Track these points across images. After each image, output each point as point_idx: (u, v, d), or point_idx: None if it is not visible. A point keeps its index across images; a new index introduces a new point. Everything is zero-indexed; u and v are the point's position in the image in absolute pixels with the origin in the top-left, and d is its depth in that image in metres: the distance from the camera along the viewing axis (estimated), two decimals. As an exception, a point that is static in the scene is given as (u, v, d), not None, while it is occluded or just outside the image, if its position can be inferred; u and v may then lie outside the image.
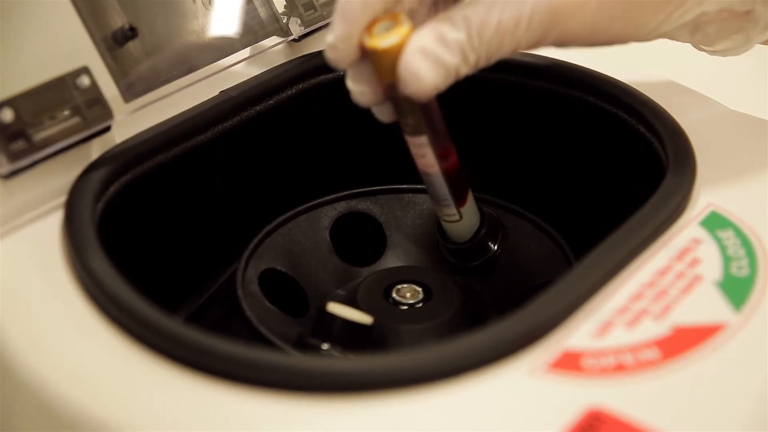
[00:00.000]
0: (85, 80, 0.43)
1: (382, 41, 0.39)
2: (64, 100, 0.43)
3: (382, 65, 0.40)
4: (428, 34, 0.39)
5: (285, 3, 0.52)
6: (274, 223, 0.50)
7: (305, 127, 0.53)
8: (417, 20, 0.42)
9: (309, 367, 0.33)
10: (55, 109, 0.43)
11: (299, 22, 0.52)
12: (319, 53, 0.53)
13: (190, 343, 0.34)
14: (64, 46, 0.46)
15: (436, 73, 0.39)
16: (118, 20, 0.46)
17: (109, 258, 0.39)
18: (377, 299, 0.46)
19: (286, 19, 0.52)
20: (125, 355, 0.35)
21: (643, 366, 0.35)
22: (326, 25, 0.54)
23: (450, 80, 0.40)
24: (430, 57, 0.39)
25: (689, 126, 0.47)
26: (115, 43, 0.46)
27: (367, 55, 0.40)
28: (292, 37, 0.53)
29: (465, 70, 0.40)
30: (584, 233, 0.46)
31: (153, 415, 0.33)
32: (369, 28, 0.40)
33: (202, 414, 0.33)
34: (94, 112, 0.43)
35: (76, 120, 0.43)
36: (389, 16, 0.40)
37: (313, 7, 0.52)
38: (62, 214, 0.42)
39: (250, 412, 0.33)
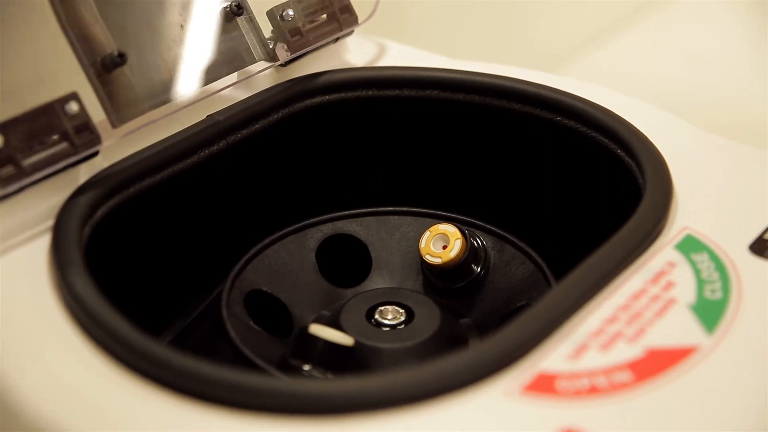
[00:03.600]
0: (73, 106, 0.44)
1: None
2: (53, 126, 0.43)
3: None
4: None
5: (271, 29, 0.53)
6: (260, 245, 0.51)
7: (291, 150, 0.54)
8: None
9: (283, 389, 0.34)
10: (44, 134, 0.43)
11: (285, 47, 0.53)
12: (305, 77, 0.54)
13: (169, 365, 0.35)
14: (52, 71, 0.47)
15: None
16: (107, 46, 0.47)
17: (95, 280, 0.39)
18: (360, 320, 0.47)
19: (272, 44, 0.53)
20: (107, 376, 0.36)
21: (616, 388, 0.36)
22: (313, 50, 0.54)
23: None
24: None
25: (667, 150, 0.48)
26: (104, 69, 0.47)
27: None
28: (279, 63, 0.53)
29: None
30: (565, 255, 0.47)
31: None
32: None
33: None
34: (82, 137, 0.44)
35: (64, 145, 0.44)
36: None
37: (299, 32, 0.53)
38: (50, 237, 0.42)
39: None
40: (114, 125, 0.46)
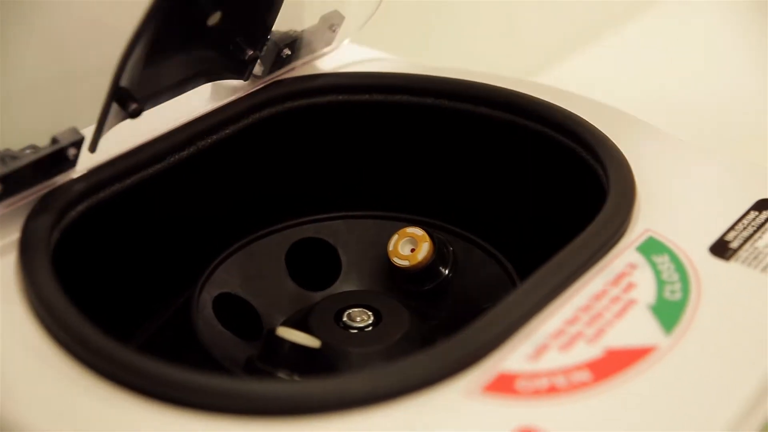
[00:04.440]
0: (72, 151, 0.45)
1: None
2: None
3: None
4: None
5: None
6: (229, 249, 0.51)
7: (261, 156, 0.54)
8: None
9: (240, 390, 0.35)
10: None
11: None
12: (275, 84, 0.54)
13: (132, 367, 0.35)
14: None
15: None
16: (135, 88, 0.46)
17: (64, 285, 0.40)
18: (328, 323, 0.48)
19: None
20: (73, 379, 0.36)
21: (574, 387, 0.36)
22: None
23: None
24: None
25: (632, 153, 0.49)
26: (119, 102, 0.46)
27: None
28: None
29: None
30: (532, 257, 0.47)
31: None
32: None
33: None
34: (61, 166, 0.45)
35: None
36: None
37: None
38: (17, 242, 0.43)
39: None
40: (92, 150, 0.46)
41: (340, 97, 0.55)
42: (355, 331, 0.48)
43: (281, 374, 0.43)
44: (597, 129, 0.50)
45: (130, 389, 0.35)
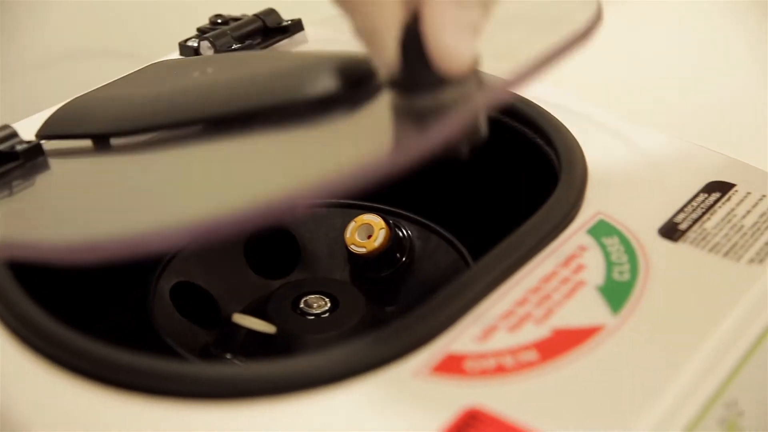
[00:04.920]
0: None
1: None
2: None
3: None
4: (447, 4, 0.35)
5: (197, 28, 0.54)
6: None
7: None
8: None
9: (188, 373, 0.35)
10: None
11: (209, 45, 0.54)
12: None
13: (81, 351, 0.35)
14: None
15: (470, 41, 0.36)
16: None
17: (20, 276, 0.40)
18: (286, 310, 0.48)
19: (197, 41, 0.54)
20: (23, 365, 0.37)
21: (522, 367, 0.37)
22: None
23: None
24: (461, 30, 0.36)
25: (585, 138, 0.49)
26: None
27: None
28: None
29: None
30: (487, 243, 0.48)
31: (52, 423, 0.35)
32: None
33: (99, 423, 0.35)
34: None
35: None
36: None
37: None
38: None
39: (137, 418, 0.34)
40: None
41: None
42: (312, 317, 0.48)
43: (236, 361, 0.43)
44: (549, 114, 0.51)
45: (78, 374, 0.36)
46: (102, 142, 0.47)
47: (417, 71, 0.37)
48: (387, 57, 0.37)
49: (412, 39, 0.36)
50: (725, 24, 1.00)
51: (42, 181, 0.46)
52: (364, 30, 0.37)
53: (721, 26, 1.01)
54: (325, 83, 0.42)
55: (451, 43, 0.36)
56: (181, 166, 0.43)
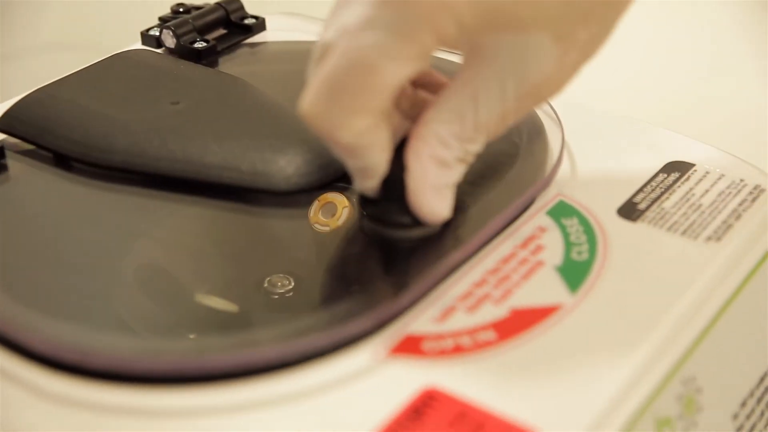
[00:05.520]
0: None
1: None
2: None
3: None
4: (429, 164, 0.40)
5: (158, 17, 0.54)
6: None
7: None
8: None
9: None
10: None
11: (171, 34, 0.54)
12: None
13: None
14: None
15: (448, 200, 0.41)
16: None
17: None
18: (250, 289, 0.48)
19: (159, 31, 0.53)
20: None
21: (479, 347, 0.37)
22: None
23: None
24: (441, 190, 0.41)
25: (545, 119, 0.50)
26: None
27: None
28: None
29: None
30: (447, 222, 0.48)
31: None
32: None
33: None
34: None
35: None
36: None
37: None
38: None
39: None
40: None
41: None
42: (276, 297, 0.48)
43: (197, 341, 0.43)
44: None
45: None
46: (63, 160, 0.48)
47: (393, 210, 0.42)
48: (368, 187, 0.42)
49: (396, 184, 0.41)
50: (725, 24, 1.01)
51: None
52: (354, 167, 0.42)
53: (721, 26, 1.01)
54: (297, 180, 0.48)
55: (430, 203, 0.41)
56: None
